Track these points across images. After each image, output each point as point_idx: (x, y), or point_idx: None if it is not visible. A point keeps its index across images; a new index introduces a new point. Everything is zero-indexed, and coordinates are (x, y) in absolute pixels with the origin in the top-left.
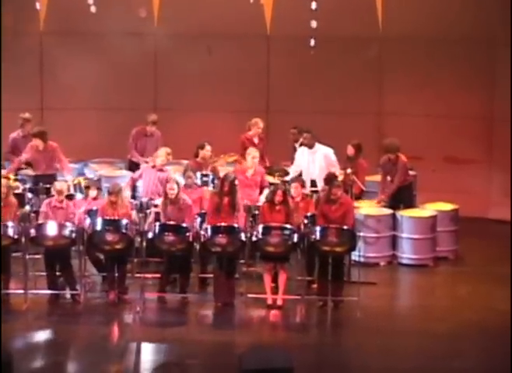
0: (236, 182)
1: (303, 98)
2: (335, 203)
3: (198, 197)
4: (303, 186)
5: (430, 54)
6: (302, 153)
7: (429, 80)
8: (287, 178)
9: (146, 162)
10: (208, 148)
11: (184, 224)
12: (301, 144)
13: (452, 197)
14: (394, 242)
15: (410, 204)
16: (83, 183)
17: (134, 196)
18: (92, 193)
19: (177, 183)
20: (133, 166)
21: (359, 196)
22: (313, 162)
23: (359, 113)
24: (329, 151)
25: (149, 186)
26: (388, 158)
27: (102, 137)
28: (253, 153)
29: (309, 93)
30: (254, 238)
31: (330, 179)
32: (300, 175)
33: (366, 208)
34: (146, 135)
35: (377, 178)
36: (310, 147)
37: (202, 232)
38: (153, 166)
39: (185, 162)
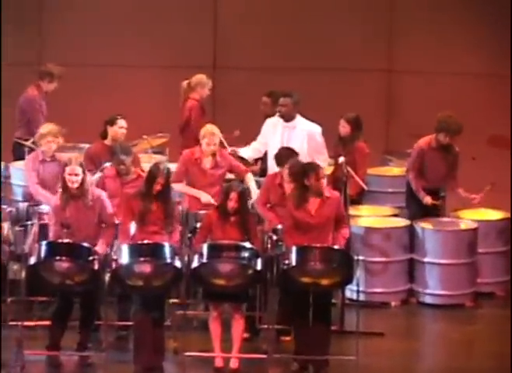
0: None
1: (270, 47)
2: (319, 197)
3: None
4: None
5: None
6: (273, 126)
7: (459, 23)
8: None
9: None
10: (121, 123)
11: (86, 244)
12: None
13: (501, 200)
14: (411, 269)
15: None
16: None
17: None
18: None
19: (82, 166)
20: (18, 151)
21: (358, 198)
22: (290, 142)
23: (358, 71)
24: (316, 130)
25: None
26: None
27: None
28: (209, 130)
29: (280, 41)
30: (195, 265)
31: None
32: (264, 158)
33: (369, 218)
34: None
35: (385, 170)
36: (288, 119)
37: (114, 256)
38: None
39: (86, 146)
